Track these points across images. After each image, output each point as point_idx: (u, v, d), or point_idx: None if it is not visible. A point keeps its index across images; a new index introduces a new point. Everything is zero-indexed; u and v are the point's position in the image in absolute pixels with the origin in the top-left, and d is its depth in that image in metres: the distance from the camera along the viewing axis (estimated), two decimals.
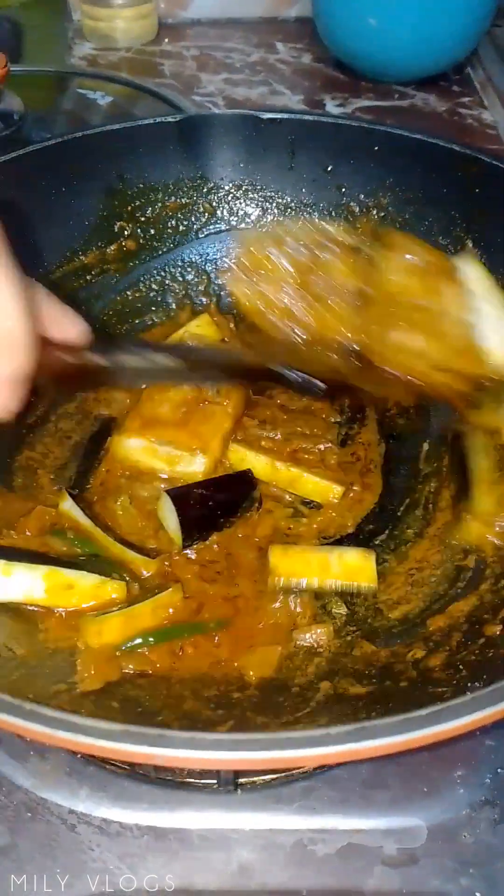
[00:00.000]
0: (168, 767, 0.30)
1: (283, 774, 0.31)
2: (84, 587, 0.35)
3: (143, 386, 0.44)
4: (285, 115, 0.50)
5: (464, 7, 0.64)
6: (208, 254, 0.46)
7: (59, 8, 0.77)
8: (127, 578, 0.35)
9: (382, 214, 0.45)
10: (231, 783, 0.33)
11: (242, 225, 0.49)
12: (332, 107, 0.63)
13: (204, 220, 0.47)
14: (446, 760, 0.33)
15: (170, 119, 0.50)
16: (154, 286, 0.45)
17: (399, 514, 0.39)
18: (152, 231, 0.45)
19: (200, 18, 0.75)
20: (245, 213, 0.46)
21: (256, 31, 0.74)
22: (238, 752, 0.22)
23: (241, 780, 0.31)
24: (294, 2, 0.71)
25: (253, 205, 0.46)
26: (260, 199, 0.46)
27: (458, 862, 0.28)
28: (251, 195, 0.45)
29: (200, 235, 0.46)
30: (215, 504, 0.38)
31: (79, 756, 0.32)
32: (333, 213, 0.46)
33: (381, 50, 0.64)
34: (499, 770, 0.32)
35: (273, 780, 0.31)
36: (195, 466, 0.41)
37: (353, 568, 0.36)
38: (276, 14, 0.75)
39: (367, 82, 0.67)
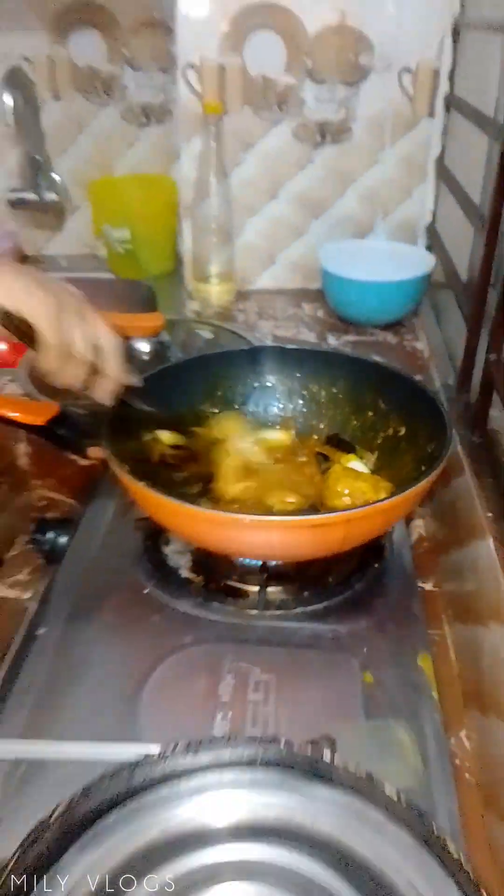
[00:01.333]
0: None
1: None
2: None
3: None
4: (299, 347, 0.95)
5: (412, 291, 1.12)
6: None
7: (177, 281, 1.28)
8: None
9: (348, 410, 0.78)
10: None
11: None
12: (331, 340, 1.10)
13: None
14: None
15: (243, 347, 0.96)
16: None
17: None
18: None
19: (260, 289, 1.25)
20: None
21: (293, 296, 1.22)
22: None
23: None
24: (314, 280, 1.22)
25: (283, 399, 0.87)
26: (285, 395, 0.87)
27: None
28: (279, 393, 0.87)
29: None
30: None
31: None
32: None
33: (361, 310, 1.10)
34: None
35: None
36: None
37: None
38: (304, 286, 1.25)
39: (352, 326, 1.09)
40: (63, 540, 0.75)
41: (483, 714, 0.55)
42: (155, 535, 0.72)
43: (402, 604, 0.65)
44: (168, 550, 0.71)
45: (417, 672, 0.59)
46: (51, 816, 0.37)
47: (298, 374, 0.79)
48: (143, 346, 0.83)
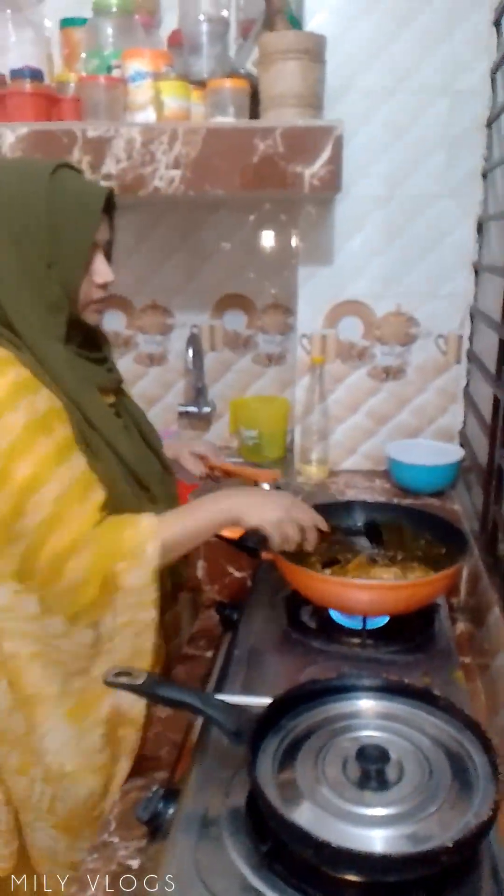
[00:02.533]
0: None
1: None
2: None
3: None
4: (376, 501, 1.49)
5: (449, 472, 1.67)
6: None
7: (287, 464, 1.87)
8: None
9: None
10: None
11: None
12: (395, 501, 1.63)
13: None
14: None
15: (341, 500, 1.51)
16: None
17: None
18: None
19: (345, 469, 1.82)
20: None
21: (367, 475, 1.79)
22: None
23: None
24: (381, 464, 1.79)
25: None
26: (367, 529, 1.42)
27: None
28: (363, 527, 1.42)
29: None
30: None
31: None
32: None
33: (415, 484, 1.65)
34: None
35: None
36: None
37: None
38: (374, 468, 1.82)
39: (409, 493, 1.66)
40: (236, 614, 1.25)
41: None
42: (295, 607, 1.22)
43: (445, 646, 1.12)
44: (303, 614, 1.20)
45: (453, 679, 1.05)
46: (275, 699, 0.85)
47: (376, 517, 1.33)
48: (266, 487, 1.31)
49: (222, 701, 0.80)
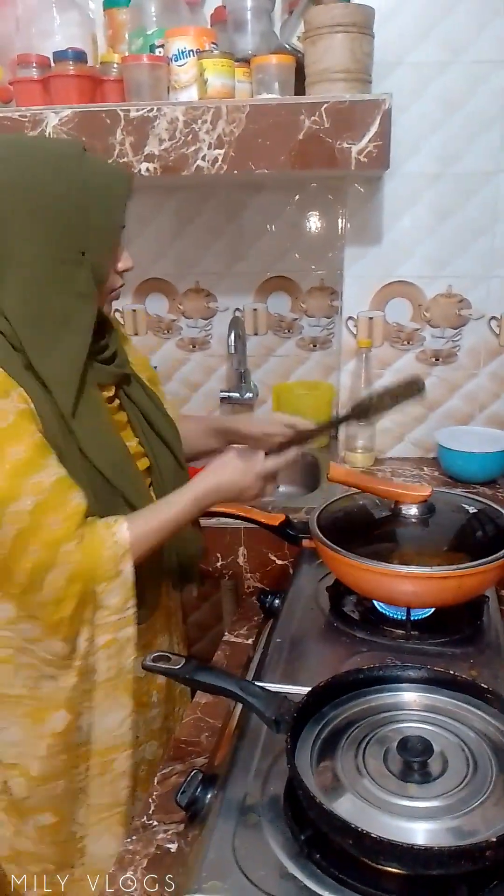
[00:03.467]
0: None
1: None
2: None
3: None
4: None
5: (500, 459, 1.63)
6: None
7: (331, 451, 1.86)
8: None
9: None
10: None
11: None
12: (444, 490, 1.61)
13: None
14: None
15: None
16: None
17: None
18: None
19: (392, 457, 1.80)
20: None
21: (416, 462, 1.77)
22: None
23: None
24: (431, 452, 1.76)
25: None
26: None
27: None
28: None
29: None
30: None
31: None
32: None
33: (465, 472, 1.63)
34: None
35: None
36: None
37: None
38: (423, 456, 1.79)
39: (459, 482, 1.64)
40: (277, 601, 1.24)
41: None
42: (337, 596, 1.21)
43: (493, 639, 1.10)
44: (346, 604, 1.19)
45: (502, 673, 1.02)
46: (316, 687, 0.85)
47: None
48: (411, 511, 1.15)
49: (262, 688, 0.80)
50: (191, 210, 1.78)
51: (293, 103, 1.29)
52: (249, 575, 1.44)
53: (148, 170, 1.36)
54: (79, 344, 0.86)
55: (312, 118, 1.28)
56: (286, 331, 1.87)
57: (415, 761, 0.72)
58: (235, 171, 1.34)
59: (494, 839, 0.62)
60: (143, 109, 1.33)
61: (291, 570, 1.35)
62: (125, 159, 1.35)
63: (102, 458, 0.89)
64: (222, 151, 1.33)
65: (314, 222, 1.77)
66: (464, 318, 1.66)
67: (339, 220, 1.74)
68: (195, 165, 1.34)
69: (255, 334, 1.88)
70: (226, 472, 0.95)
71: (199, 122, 1.31)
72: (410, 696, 0.84)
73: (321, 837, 0.68)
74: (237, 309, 1.84)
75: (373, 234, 1.61)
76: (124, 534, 0.86)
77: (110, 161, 1.32)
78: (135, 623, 0.90)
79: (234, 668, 1.15)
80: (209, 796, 0.78)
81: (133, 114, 1.33)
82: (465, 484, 1.54)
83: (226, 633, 1.25)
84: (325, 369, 1.88)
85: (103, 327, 0.96)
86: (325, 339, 1.87)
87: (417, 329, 1.68)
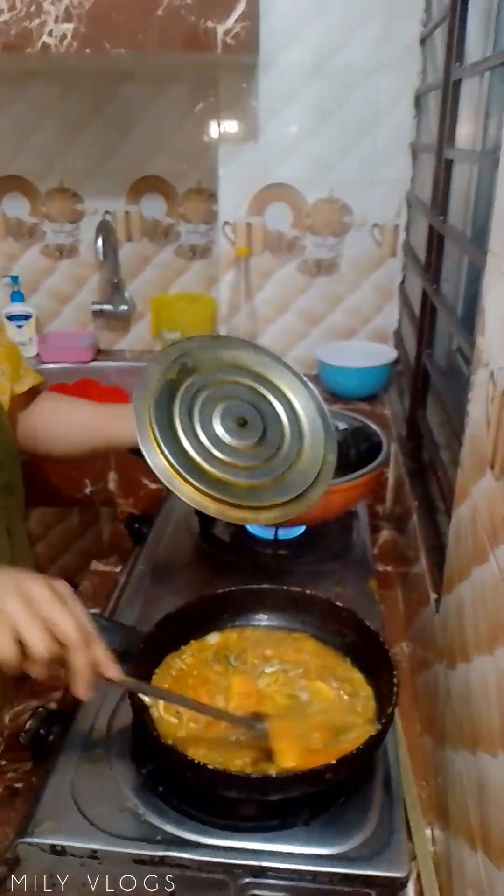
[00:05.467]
0: None
1: None
2: None
3: None
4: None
5: (381, 374, 1.63)
6: None
7: None
8: None
9: None
10: None
11: None
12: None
13: None
14: None
15: None
16: None
17: None
18: None
19: None
20: None
21: None
22: None
23: None
24: (313, 369, 1.74)
25: None
26: None
27: None
28: None
29: None
30: None
31: None
32: None
33: (346, 389, 1.62)
34: None
35: None
36: None
37: None
38: (306, 372, 1.77)
39: (340, 399, 1.64)
40: (146, 528, 1.21)
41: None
42: (207, 518, 1.18)
43: (360, 555, 1.11)
44: (216, 526, 1.17)
45: (367, 589, 1.04)
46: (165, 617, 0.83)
47: None
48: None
49: (109, 620, 0.77)
50: (50, 100, 1.62)
51: None
52: (122, 500, 1.40)
53: None
54: None
55: None
56: (162, 237, 1.77)
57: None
58: (88, 50, 1.20)
59: (334, 761, 0.62)
60: None
61: (165, 494, 1.32)
62: None
63: None
64: (71, 26, 1.19)
65: (187, 117, 1.64)
66: (345, 225, 1.61)
67: (214, 116, 1.63)
68: (41, 42, 1.20)
69: (129, 240, 1.77)
70: None
71: None
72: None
73: (164, 771, 0.67)
74: (107, 212, 1.71)
75: (248, 130, 1.52)
76: None
77: None
78: None
79: (101, 597, 1.12)
80: (53, 734, 0.76)
81: None
82: (345, 401, 1.53)
83: (93, 562, 1.22)
84: (207, 280, 1.80)
85: None
86: (205, 247, 1.78)
87: (298, 236, 1.62)
